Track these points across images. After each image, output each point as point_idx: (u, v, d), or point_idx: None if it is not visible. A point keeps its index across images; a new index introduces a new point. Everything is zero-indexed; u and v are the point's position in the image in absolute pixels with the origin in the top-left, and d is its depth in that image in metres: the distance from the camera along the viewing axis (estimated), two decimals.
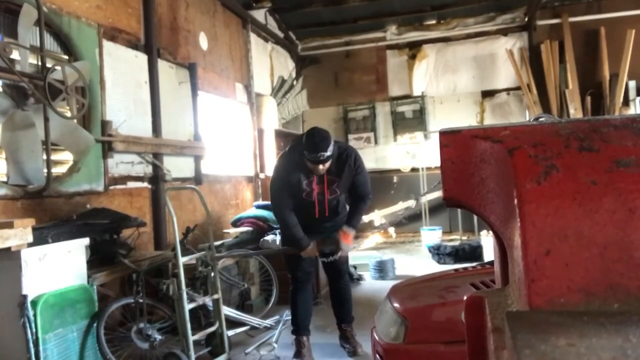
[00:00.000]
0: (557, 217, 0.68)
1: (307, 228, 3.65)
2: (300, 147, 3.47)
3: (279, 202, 3.64)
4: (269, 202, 6.52)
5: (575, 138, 0.73)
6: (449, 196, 0.88)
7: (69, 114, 4.07)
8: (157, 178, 5.50)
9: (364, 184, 3.72)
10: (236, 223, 6.03)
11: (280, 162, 3.72)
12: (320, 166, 3.46)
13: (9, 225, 2.82)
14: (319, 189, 3.61)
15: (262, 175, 8.14)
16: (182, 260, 3.56)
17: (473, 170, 0.84)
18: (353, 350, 3.92)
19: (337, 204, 3.79)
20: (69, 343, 3.19)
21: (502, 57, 9.78)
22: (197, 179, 6.35)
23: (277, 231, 5.56)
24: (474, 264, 4.20)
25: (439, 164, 0.88)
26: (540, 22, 9.48)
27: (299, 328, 3.89)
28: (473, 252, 7.09)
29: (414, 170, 10.15)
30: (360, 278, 6.44)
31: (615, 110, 8.74)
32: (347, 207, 3.95)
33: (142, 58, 5.50)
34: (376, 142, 10.54)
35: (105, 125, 4.75)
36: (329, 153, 3.39)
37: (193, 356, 3.43)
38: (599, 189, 0.68)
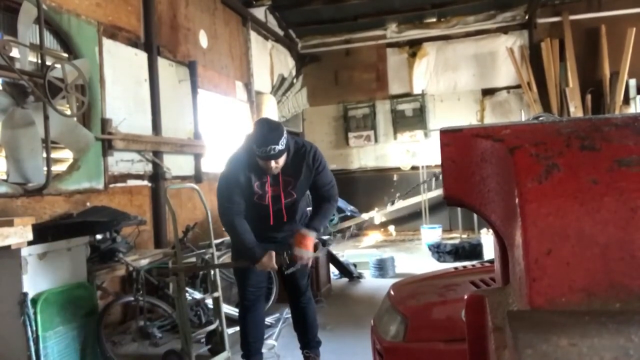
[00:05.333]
0: (559, 216, 0.68)
1: (259, 237, 3.10)
2: (250, 143, 2.97)
3: (226, 204, 3.02)
4: None
5: (576, 137, 0.73)
6: (449, 195, 0.88)
7: (68, 112, 4.07)
8: (157, 176, 5.50)
9: (327, 185, 3.16)
10: None
11: (229, 163, 3.14)
12: (273, 163, 2.91)
13: (9, 224, 2.82)
14: (273, 191, 3.05)
15: None
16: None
17: (474, 169, 0.84)
18: None
19: (294, 210, 3.22)
20: (69, 341, 3.19)
21: (502, 55, 9.77)
22: (197, 177, 6.35)
23: None
24: (474, 262, 4.21)
25: (439, 162, 0.88)
26: (540, 20, 9.48)
27: (250, 353, 3.34)
28: (473, 251, 7.10)
29: (414, 168, 10.15)
30: (360, 276, 6.45)
31: (615, 108, 8.74)
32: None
33: (142, 56, 5.50)
34: (376, 141, 10.54)
35: (105, 123, 4.75)
36: (281, 147, 2.84)
37: (193, 354, 3.43)
38: (601, 188, 0.68)
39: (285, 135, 2.90)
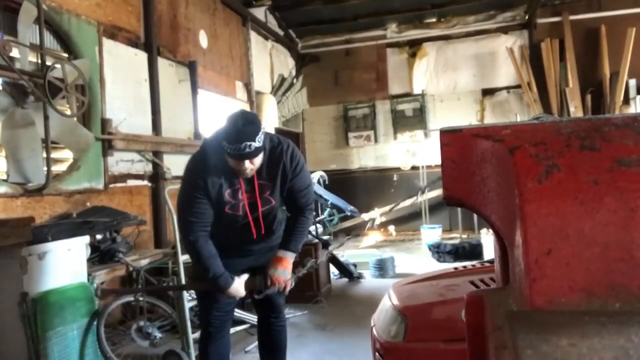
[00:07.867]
0: (559, 216, 0.68)
1: (232, 253, 2.64)
2: (219, 140, 2.44)
3: (189, 219, 2.51)
4: None
5: (576, 137, 0.73)
6: (449, 195, 0.88)
7: (68, 112, 4.07)
8: (157, 176, 5.51)
9: (304, 192, 2.65)
10: None
11: (191, 165, 2.59)
12: (247, 163, 2.41)
13: (9, 223, 2.81)
14: (249, 198, 2.55)
15: None
16: (182, 258, 3.56)
17: (474, 170, 0.84)
18: None
19: (273, 220, 2.73)
20: (69, 341, 3.19)
21: (502, 55, 9.77)
22: None
23: None
24: (474, 262, 4.21)
25: (439, 162, 0.88)
26: (540, 20, 9.47)
27: None
28: (473, 251, 7.09)
29: (414, 168, 10.15)
30: (360, 276, 6.44)
31: (615, 108, 8.74)
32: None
33: (142, 56, 5.50)
34: (376, 141, 10.54)
35: (105, 123, 4.75)
36: (257, 144, 2.36)
37: (193, 354, 3.43)
38: (601, 188, 0.68)
39: (262, 130, 2.42)
